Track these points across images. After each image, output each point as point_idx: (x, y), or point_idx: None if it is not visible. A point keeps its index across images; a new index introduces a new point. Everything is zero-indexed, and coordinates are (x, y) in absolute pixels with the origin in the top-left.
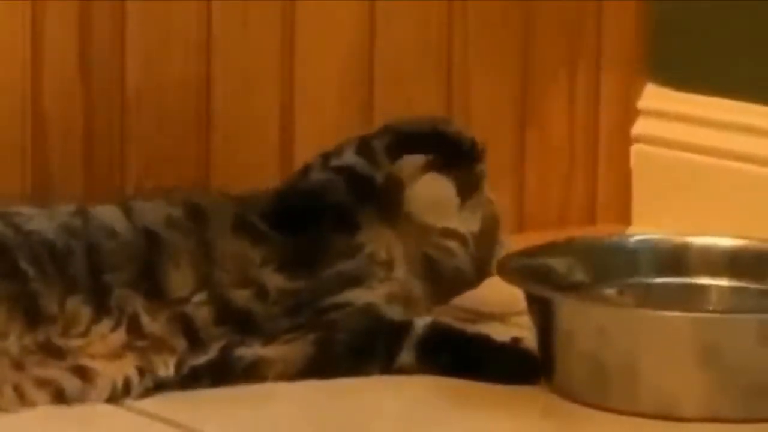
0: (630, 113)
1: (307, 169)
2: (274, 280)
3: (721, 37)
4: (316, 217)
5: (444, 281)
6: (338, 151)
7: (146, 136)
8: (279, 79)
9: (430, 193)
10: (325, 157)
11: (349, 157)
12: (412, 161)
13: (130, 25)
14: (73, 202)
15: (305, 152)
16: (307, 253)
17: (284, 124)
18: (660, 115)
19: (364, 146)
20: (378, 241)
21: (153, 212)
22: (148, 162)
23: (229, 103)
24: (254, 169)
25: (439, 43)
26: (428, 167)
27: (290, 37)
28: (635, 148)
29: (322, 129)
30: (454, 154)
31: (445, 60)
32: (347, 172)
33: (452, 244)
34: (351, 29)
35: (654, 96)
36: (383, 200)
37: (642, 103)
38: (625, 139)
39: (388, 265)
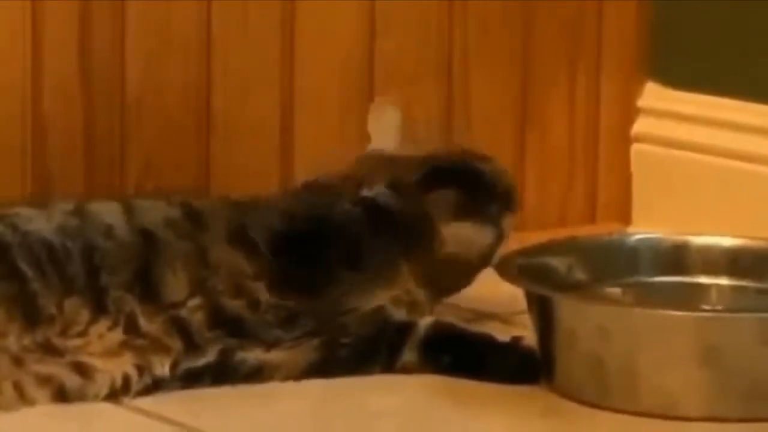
0: (630, 112)
1: (338, 196)
2: (266, 296)
3: (721, 37)
4: (324, 244)
5: (446, 288)
6: (370, 179)
7: (146, 137)
8: (279, 80)
9: (466, 237)
10: (358, 183)
11: (379, 191)
12: (443, 197)
13: (130, 25)
14: (73, 199)
15: (305, 153)
16: (305, 282)
17: (284, 124)
18: (660, 114)
19: (396, 181)
20: (392, 279)
21: (153, 212)
22: (148, 163)
23: (229, 104)
24: (254, 170)
25: (439, 43)
26: (459, 207)
27: (290, 38)
28: (635, 148)
29: (322, 130)
30: (486, 197)
31: (445, 60)
32: (371, 207)
33: (462, 263)
34: (351, 30)
35: (654, 95)
36: (404, 233)
37: (642, 103)
38: (625, 139)
39: (392, 278)
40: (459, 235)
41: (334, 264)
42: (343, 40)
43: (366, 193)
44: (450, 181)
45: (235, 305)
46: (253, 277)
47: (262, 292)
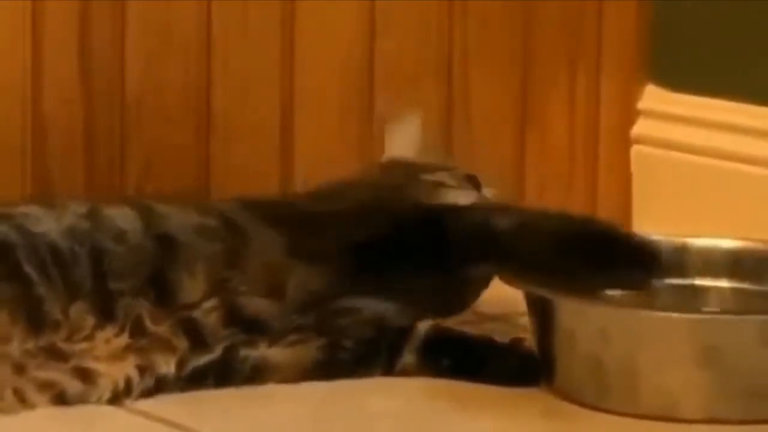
0: (630, 114)
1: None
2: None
3: (721, 38)
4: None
5: None
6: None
7: (146, 137)
8: (279, 80)
9: None
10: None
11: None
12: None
13: (131, 25)
14: (86, 202)
15: (305, 153)
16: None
17: (284, 124)
18: (660, 116)
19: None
20: None
21: (178, 219)
22: (148, 163)
23: (229, 104)
24: (254, 170)
25: (439, 43)
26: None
27: (290, 38)
28: (635, 149)
29: (323, 130)
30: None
31: (445, 60)
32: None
33: None
34: (351, 29)
35: (654, 97)
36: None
37: (642, 104)
38: (625, 140)
39: None
40: None
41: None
42: (343, 40)
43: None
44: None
45: (257, 304)
46: (327, 291)
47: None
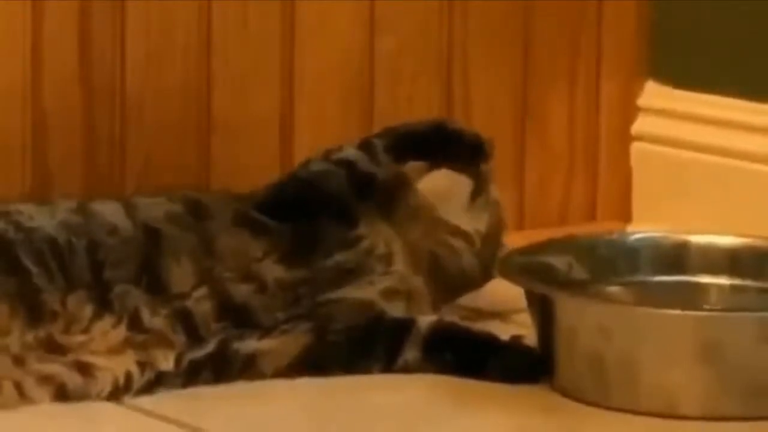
0: (630, 111)
1: (307, 162)
2: (275, 272)
3: (721, 35)
4: (314, 206)
5: (449, 280)
6: (339, 147)
7: (146, 136)
8: (279, 79)
9: (442, 186)
10: (327, 152)
11: (350, 152)
12: (416, 164)
13: (130, 25)
14: (74, 198)
15: (305, 153)
16: (306, 242)
17: (284, 124)
18: (660, 113)
19: (365, 144)
20: (376, 235)
21: (154, 209)
22: (148, 163)
23: (229, 103)
24: (254, 169)
25: (439, 43)
26: (434, 167)
27: (290, 38)
28: (635, 146)
29: (322, 129)
30: (458, 151)
31: (445, 60)
32: (347, 165)
33: (458, 243)
34: (351, 29)
35: (654, 94)
36: (383, 196)
37: (642, 101)
38: (625, 137)
39: (387, 259)
40: (435, 186)
41: (325, 222)
42: (342, 40)
43: (336, 155)
44: (419, 145)
45: (242, 291)
46: (261, 257)
47: (270, 270)
